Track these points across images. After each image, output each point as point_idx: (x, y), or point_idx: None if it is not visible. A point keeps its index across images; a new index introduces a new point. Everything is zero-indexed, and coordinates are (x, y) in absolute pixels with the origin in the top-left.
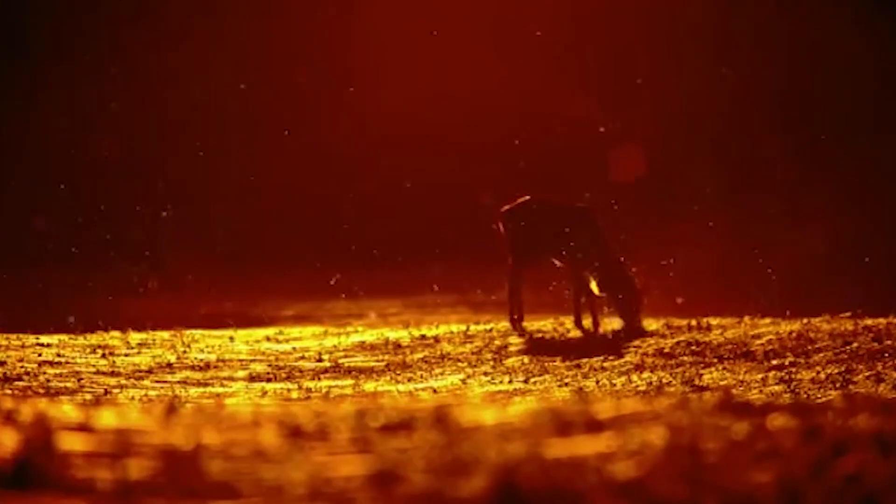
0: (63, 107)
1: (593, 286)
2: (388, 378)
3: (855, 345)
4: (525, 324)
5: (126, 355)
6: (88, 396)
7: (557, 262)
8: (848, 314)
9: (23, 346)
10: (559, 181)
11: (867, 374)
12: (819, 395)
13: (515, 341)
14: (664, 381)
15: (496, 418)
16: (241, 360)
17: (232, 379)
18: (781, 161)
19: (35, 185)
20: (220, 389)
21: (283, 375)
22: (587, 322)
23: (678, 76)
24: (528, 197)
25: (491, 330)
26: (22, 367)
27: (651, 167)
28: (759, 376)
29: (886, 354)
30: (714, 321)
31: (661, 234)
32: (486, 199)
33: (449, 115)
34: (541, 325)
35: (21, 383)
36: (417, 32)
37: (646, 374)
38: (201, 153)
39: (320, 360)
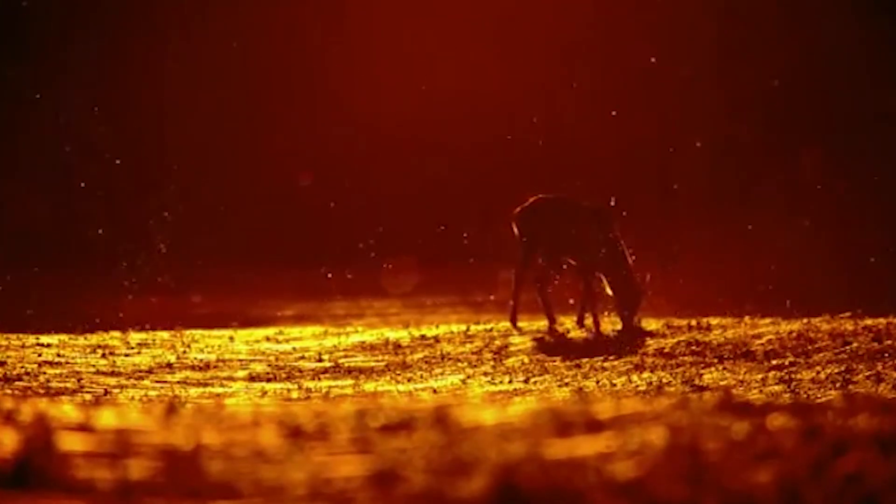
0: (62, 107)
1: (606, 286)
2: (388, 378)
3: (855, 345)
4: (525, 324)
5: (126, 355)
6: (88, 396)
7: (572, 262)
8: (848, 314)
9: (23, 346)
10: (559, 182)
11: (867, 374)
12: (819, 395)
13: (515, 341)
14: (664, 381)
15: (496, 418)
16: (241, 360)
17: (232, 379)
18: (781, 162)
19: (35, 185)
20: (220, 389)
21: (283, 375)
22: (588, 321)
23: (678, 76)
24: (539, 196)
25: (491, 330)
26: (22, 367)
27: (650, 167)
28: (759, 376)
29: (886, 354)
30: (714, 321)
31: (661, 234)
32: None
33: (449, 116)
34: (541, 325)
35: (21, 383)
36: (419, 32)
37: (646, 374)
38: (201, 153)
39: (320, 360)
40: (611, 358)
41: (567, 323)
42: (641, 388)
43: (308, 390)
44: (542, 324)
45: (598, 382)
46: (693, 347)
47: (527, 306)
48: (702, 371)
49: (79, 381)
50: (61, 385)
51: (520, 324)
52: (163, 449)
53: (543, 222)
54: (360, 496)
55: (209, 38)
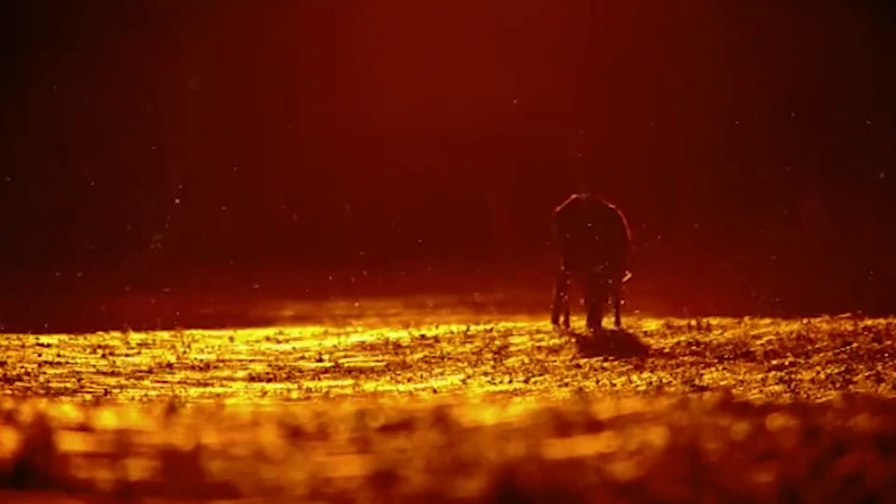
0: (61, 106)
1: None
2: (388, 378)
3: (855, 345)
4: (525, 324)
5: (126, 355)
6: (88, 396)
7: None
8: (848, 314)
9: (23, 346)
10: (559, 182)
11: (867, 374)
12: (819, 395)
13: (515, 341)
14: (664, 381)
15: (496, 418)
16: (241, 360)
17: (232, 379)
18: (781, 161)
19: (34, 185)
20: (220, 389)
21: (283, 375)
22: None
23: (678, 77)
24: (575, 196)
25: (491, 330)
26: (22, 367)
27: (651, 168)
28: (759, 376)
29: (886, 354)
30: (714, 321)
31: (661, 234)
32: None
33: (449, 116)
34: (541, 324)
35: (21, 383)
36: (419, 31)
37: (646, 374)
38: (202, 153)
39: (320, 360)
40: (611, 358)
41: (569, 323)
42: (641, 388)
43: (308, 390)
44: (542, 324)
45: (598, 382)
46: (693, 347)
47: (527, 306)
48: (702, 371)
49: (79, 381)
50: (61, 385)
51: (520, 324)
52: (163, 449)
53: (581, 222)
54: (360, 496)
55: (209, 37)
